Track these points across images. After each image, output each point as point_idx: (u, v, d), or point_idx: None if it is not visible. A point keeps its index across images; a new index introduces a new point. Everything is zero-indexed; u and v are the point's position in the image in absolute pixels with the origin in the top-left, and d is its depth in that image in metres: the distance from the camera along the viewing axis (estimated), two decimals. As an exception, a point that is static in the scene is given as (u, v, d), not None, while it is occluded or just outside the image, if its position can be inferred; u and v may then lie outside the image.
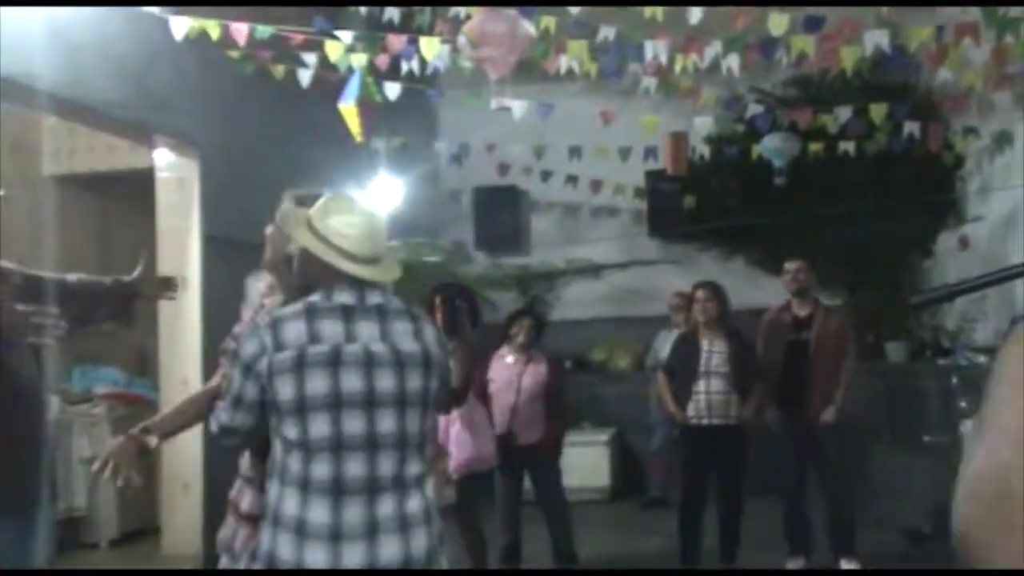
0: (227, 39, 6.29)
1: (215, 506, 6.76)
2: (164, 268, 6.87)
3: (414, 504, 2.41)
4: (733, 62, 6.33)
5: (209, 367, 6.80)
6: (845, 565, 5.89)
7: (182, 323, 6.80)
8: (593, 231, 10.39)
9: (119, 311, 3.10)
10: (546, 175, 9.23)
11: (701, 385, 5.85)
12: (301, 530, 2.33)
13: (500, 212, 10.28)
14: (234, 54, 6.66)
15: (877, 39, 5.93)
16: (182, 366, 6.79)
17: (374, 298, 2.51)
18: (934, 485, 6.08)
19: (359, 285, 2.49)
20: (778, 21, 5.85)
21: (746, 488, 5.90)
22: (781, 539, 6.06)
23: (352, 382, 2.39)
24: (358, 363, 2.41)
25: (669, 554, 6.10)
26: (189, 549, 6.64)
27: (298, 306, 2.48)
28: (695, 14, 6.00)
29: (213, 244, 6.88)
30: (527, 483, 5.81)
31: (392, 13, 6.88)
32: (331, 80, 6.62)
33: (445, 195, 10.49)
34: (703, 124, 8.01)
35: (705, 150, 8.82)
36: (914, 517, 6.55)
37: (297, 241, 2.53)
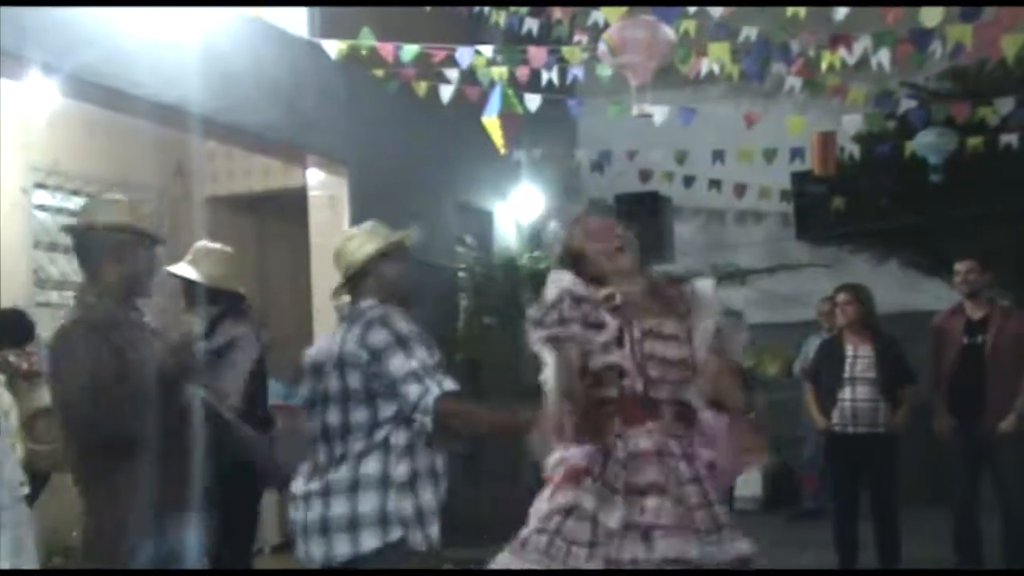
0: (373, 58, 6.48)
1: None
2: (318, 284, 7.12)
3: (318, 482, 2.87)
4: (883, 57, 6.12)
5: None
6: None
7: (335, 336, 7.01)
8: (738, 236, 10.20)
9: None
10: (689, 180, 9.11)
11: (847, 392, 5.65)
12: None
13: (643, 219, 10.20)
14: (378, 72, 6.85)
15: (1041, 25, 5.62)
16: (336, 378, 7.00)
17: (347, 308, 3.05)
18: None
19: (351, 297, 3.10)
20: (931, 12, 5.61)
21: (915, 498, 5.66)
22: (950, 551, 5.79)
23: None
24: None
25: (823, 567, 5.91)
26: (346, 555, 6.83)
27: None
28: (841, 10, 5.83)
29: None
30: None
31: (531, 25, 6.94)
32: (473, 94, 6.73)
33: (587, 204, 10.48)
34: (852, 122, 7.75)
35: (854, 149, 8.54)
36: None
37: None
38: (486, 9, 6.87)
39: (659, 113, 6.66)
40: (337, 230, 7.09)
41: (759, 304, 9.89)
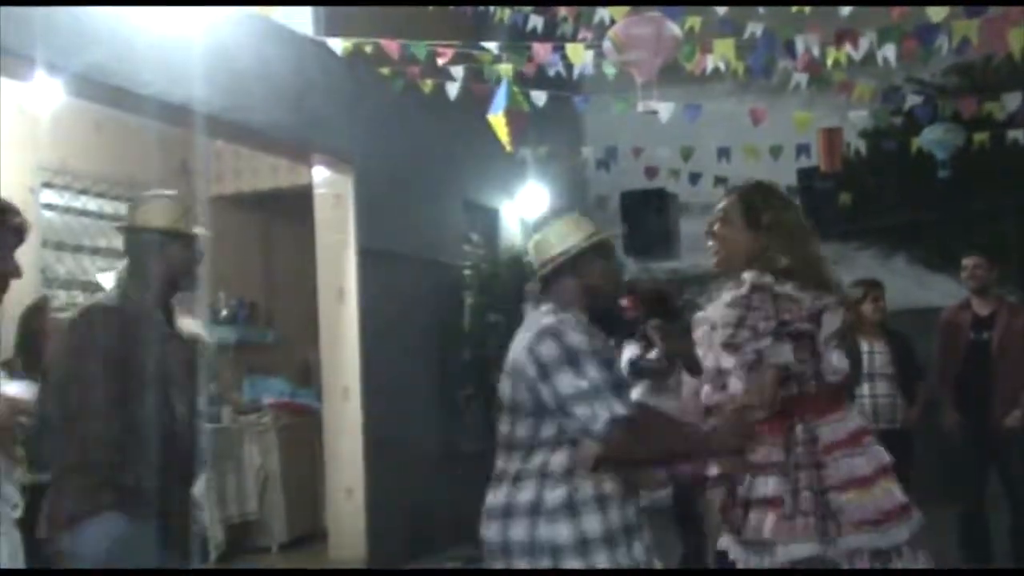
0: (379, 56, 6.48)
1: (378, 511, 6.97)
2: (323, 281, 7.13)
3: (521, 496, 2.62)
4: (889, 52, 6.10)
5: (368, 376, 7.01)
6: (1028, 577, 5.57)
7: (341, 334, 7.03)
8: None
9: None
10: (695, 177, 9.10)
11: (865, 388, 5.62)
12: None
13: (649, 216, 10.19)
14: (384, 71, 6.85)
15: (1048, 19, 5.60)
16: (343, 376, 7.01)
17: (532, 305, 2.81)
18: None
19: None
20: (937, 8, 5.60)
21: (921, 494, 5.63)
22: (956, 549, 5.77)
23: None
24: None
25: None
26: (354, 552, 6.85)
27: None
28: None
29: (369, 257, 7.08)
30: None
31: (536, 21, 6.93)
32: (479, 91, 6.73)
33: (593, 201, 10.48)
34: (858, 118, 7.74)
35: (861, 145, 8.54)
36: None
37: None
38: (491, 7, 6.87)
39: (665, 110, 6.65)
40: (342, 228, 7.11)
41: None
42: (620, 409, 2.53)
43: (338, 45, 6.40)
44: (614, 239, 2.89)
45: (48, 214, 6.66)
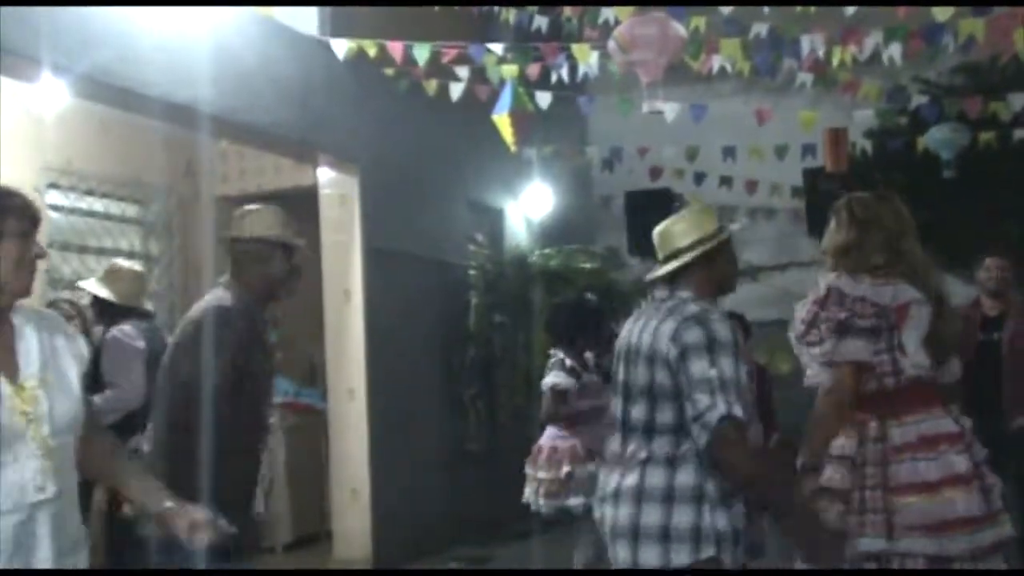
0: (384, 56, 6.49)
1: (383, 511, 6.97)
2: (329, 281, 7.14)
3: (631, 480, 2.63)
4: (895, 52, 6.10)
5: (373, 376, 7.02)
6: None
7: (347, 334, 7.03)
8: (750, 232, 10.16)
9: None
10: (699, 177, 9.11)
11: None
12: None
13: (653, 216, 10.11)
14: (389, 71, 6.85)
15: (1054, 19, 5.60)
16: (348, 376, 7.02)
17: (661, 293, 2.78)
18: None
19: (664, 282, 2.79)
20: (943, 7, 5.60)
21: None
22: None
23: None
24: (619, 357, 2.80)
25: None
26: (359, 553, 6.85)
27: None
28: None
29: (374, 256, 7.08)
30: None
31: (540, 21, 6.93)
32: (483, 92, 6.73)
33: (597, 201, 10.48)
34: (864, 118, 7.74)
35: (866, 145, 8.53)
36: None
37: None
38: (496, 7, 6.88)
39: (670, 110, 6.65)
40: (348, 229, 7.11)
41: (771, 300, 9.86)
42: (737, 411, 2.53)
43: (342, 47, 6.40)
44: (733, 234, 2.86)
45: (54, 215, 6.67)
